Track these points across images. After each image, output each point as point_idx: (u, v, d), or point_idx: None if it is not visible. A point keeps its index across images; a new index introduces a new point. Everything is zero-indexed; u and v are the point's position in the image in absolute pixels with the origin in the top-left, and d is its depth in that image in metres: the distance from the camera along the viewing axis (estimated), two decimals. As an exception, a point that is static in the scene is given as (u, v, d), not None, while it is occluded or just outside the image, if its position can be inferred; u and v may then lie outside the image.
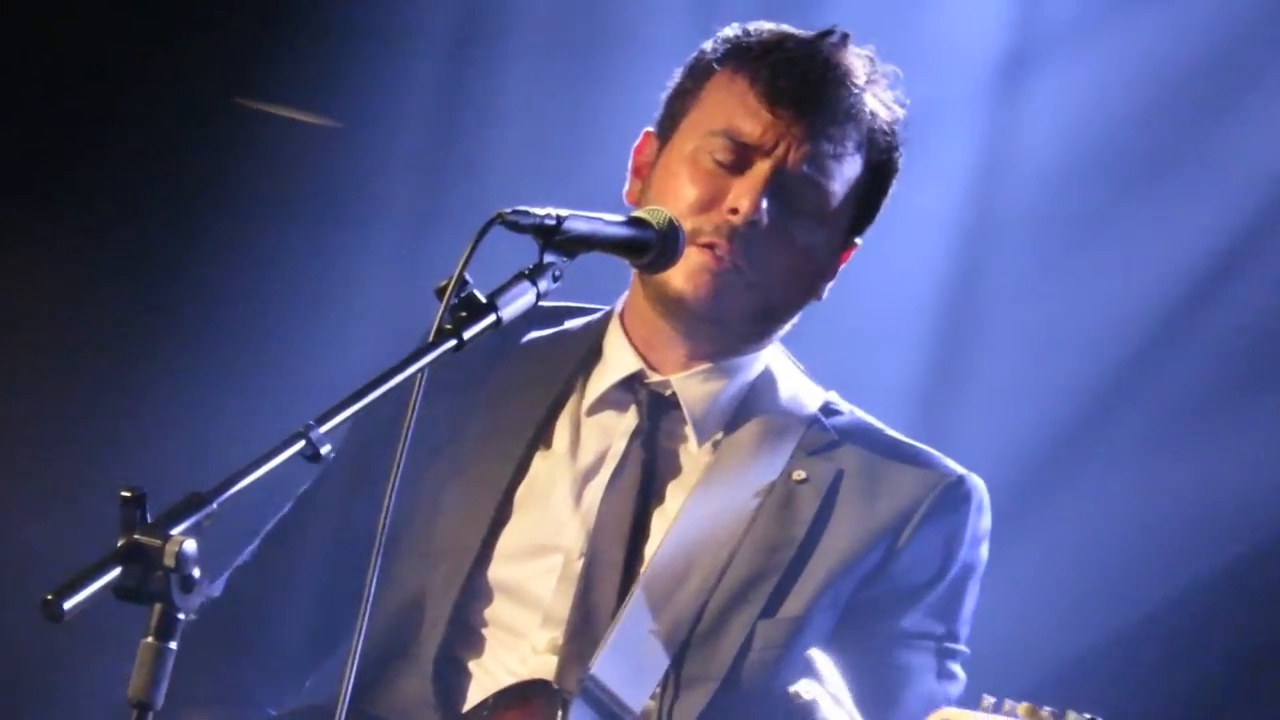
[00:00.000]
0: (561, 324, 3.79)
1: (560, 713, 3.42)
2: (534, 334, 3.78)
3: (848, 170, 3.62)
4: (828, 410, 3.69)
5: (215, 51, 5.88)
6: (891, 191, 3.73)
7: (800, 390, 3.71)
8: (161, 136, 5.82)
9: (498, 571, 3.61)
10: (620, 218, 3.32)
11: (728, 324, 3.62)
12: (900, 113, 3.68)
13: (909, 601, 3.56)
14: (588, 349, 3.73)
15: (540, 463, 3.67)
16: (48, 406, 5.82)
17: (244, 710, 3.72)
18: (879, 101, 3.65)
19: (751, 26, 3.68)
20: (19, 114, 5.79)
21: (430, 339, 3.03)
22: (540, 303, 3.76)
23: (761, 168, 3.58)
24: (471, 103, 5.88)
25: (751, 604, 3.50)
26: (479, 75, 5.87)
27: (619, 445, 3.64)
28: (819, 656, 3.24)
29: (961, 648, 3.61)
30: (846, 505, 3.55)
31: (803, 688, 3.15)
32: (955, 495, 3.60)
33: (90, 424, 5.80)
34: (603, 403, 3.68)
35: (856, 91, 3.62)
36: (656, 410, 3.64)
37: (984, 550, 3.64)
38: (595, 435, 3.66)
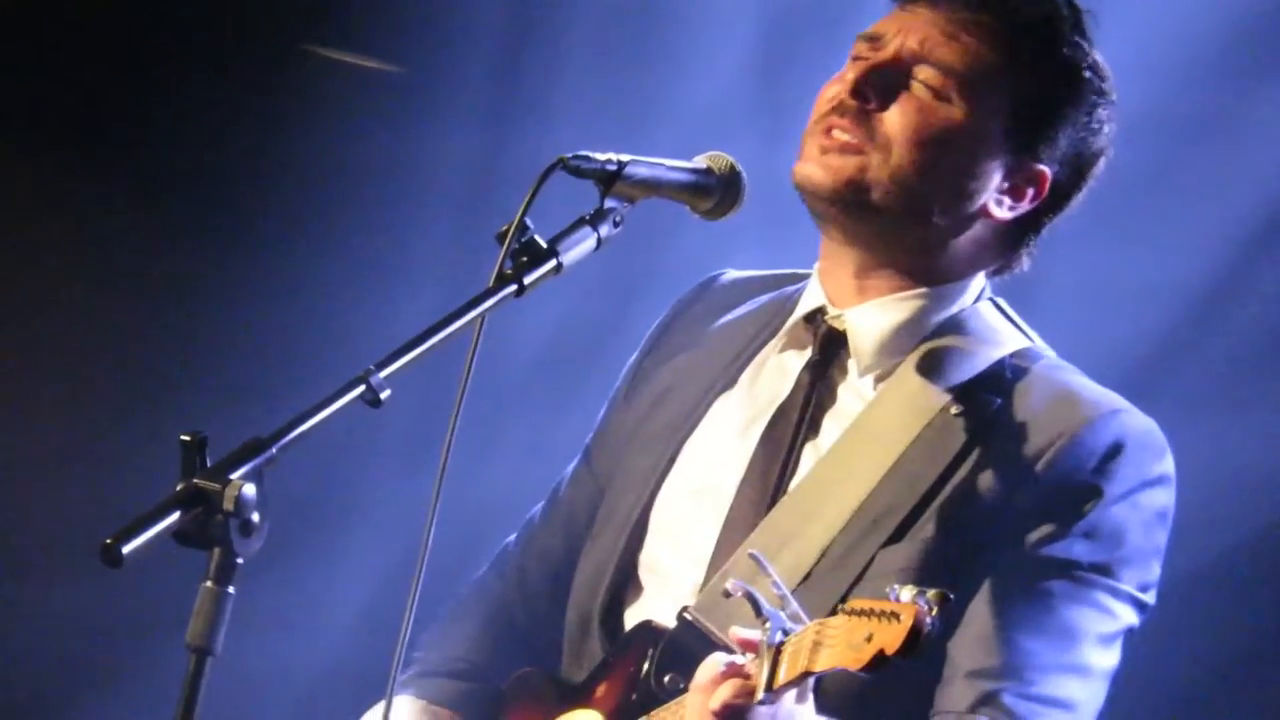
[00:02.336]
0: (781, 289, 3.71)
1: (652, 650, 3.36)
2: (759, 298, 3.72)
3: (975, 52, 3.47)
4: (1020, 355, 3.51)
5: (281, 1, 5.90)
6: (1083, 114, 3.52)
7: (998, 336, 3.53)
8: (229, 84, 5.84)
9: (658, 516, 3.56)
10: (683, 163, 3.28)
11: (864, 205, 3.45)
12: (1066, 13, 3.50)
13: (1052, 531, 3.33)
14: (794, 303, 3.63)
15: (719, 406, 3.61)
16: (106, 363, 5.85)
17: (488, 684, 3.69)
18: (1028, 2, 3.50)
19: None
20: (83, 67, 5.81)
21: (490, 284, 3.01)
22: (771, 271, 3.74)
23: (880, 48, 3.50)
24: (537, 49, 5.86)
25: (878, 534, 3.36)
26: (544, 21, 5.85)
27: (789, 382, 3.55)
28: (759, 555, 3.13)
29: (1125, 587, 3.36)
30: (994, 440, 3.38)
31: (732, 585, 3.06)
32: (1105, 429, 3.39)
33: (154, 378, 5.83)
34: (789, 343, 3.59)
35: None
36: (830, 345, 3.54)
37: (1157, 494, 3.42)
38: (774, 375, 3.58)
